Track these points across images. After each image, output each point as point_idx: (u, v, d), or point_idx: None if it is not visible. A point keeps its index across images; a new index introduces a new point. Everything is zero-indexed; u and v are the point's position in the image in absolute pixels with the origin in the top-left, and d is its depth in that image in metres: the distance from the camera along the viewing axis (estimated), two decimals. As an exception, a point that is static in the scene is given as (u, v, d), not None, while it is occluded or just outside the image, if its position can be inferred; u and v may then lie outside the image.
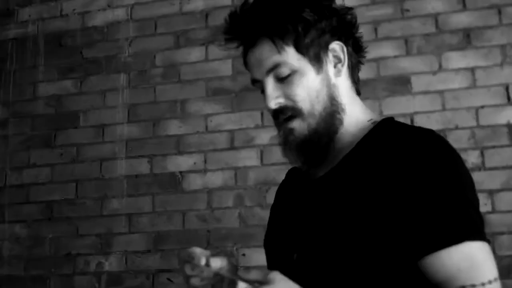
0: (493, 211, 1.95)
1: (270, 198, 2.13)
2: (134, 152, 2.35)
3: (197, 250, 0.80)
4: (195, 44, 2.39)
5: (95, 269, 2.28)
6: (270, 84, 0.91)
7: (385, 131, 0.89)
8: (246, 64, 0.96)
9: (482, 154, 2.01)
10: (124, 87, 2.43)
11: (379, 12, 2.18)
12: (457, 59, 2.10)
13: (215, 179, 2.24)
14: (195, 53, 2.38)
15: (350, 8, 0.95)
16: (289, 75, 0.89)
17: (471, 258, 0.75)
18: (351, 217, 0.81)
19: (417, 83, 2.11)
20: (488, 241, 0.78)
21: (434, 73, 2.11)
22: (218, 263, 0.79)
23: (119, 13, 2.52)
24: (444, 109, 2.07)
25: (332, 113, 0.91)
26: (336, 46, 0.93)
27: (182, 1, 2.45)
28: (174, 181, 2.28)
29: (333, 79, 0.92)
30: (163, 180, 2.30)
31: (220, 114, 2.30)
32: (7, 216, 2.42)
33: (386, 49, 2.15)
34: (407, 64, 2.14)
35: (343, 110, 0.93)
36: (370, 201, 0.80)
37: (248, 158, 2.23)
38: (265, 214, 2.10)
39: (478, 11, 2.11)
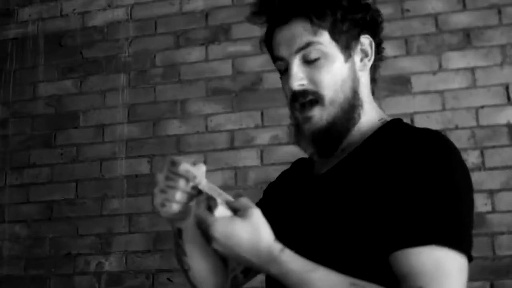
0: (493, 211, 1.94)
1: (270, 198, 2.14)
2: (134, 152, 2.35)
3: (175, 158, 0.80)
4: (195, 44, 2.39)
5: (95, 269, 2.28)
6: (296, 64, 0.89)
7: (391, 131, 0.88)
8: (268, 42, 0.95)
9: (482, 154, 2.00)
10: (124, 87, 2.43)
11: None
12: (457, 59, 2.10)
13: (215, 179, 2.24)
14: (195, 53, 2.38)
15: (379, 10, 0.96)
16: (317, 59, 0.88)
17: (438, 263, 0.71)
18: (347, 215, 0.81)
19: (417, 83, 2.11)
20: (470, 258, 0.75)
21: (434, 73, 2.11)
22: (186, 167, 0.78)
23: (119, 13, 2.52)
24: (444, 109, 2.07)
25: (353, 105, 0.90)
26: (365, 40, 0.93)
27: (182, 1, 2.45)
28: (174, 181, 2.28)
29: (358, 73, 0.92)
30: (163, 180, 2.29)
31: (220, 114, 2.30)
32: (7, 216, 2.42)
33: (386, 49, 2.14)
34: (407, 64, 2.14)
35: (362, 105, 0.92)
36: (366, 199, 0.80)
37: (248, 158, 2.23)
38: (265, 214, 2.12)
39: (478, 11, 2.11)
